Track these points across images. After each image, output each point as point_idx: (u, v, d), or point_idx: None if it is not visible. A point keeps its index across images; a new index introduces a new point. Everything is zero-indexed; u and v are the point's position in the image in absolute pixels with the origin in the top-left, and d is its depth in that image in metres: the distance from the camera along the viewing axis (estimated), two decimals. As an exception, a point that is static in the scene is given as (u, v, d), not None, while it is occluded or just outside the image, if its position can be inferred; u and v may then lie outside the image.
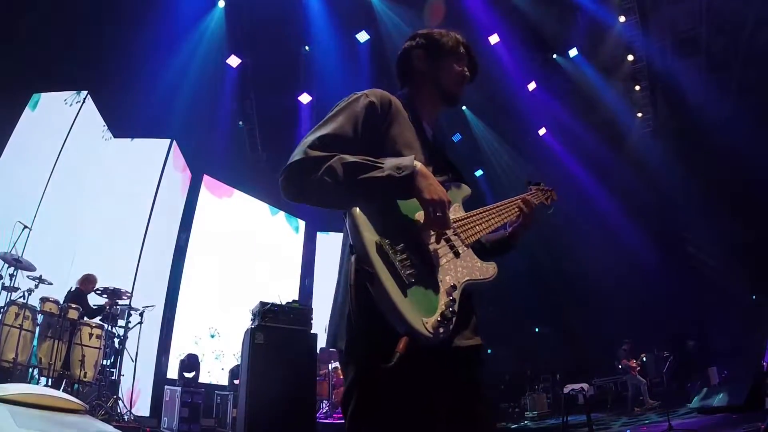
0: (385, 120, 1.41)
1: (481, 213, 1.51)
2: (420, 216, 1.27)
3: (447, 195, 1.26)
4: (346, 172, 1.22)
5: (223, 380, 8.61)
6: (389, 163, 1.25)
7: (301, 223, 12.05)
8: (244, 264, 10.07)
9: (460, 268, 1.30)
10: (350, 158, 1.24)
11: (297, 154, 1.27)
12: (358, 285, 1.16)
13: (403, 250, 1.19)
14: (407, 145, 1.41)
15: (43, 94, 6.65)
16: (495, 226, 1.55)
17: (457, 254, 1.32)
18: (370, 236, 1.17)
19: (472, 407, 1.34)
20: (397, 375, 1.12)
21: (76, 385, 5.16)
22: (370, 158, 1.26)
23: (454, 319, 1.16)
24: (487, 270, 1.36)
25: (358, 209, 1.20)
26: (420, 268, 1.20)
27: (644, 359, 10.37)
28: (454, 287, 1.23)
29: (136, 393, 7.39)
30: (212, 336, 9.11)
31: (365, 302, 1.16)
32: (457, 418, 1.29)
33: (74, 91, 7.04)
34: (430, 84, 1.61)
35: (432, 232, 1.28)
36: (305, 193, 1.29)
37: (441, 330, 1.14)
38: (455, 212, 1.44)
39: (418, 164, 1.25)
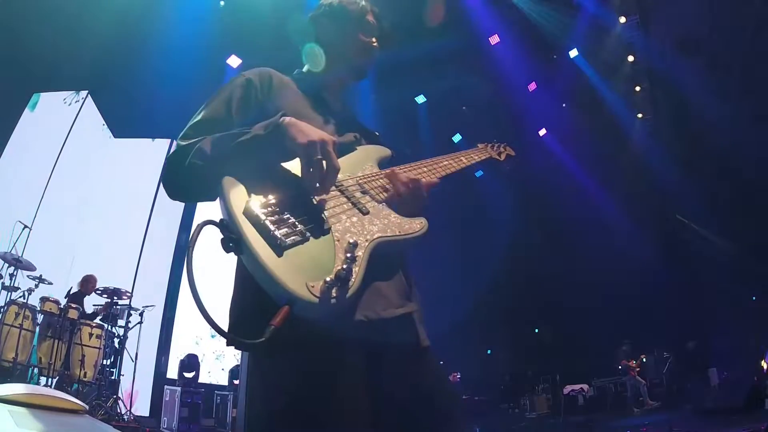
0: (268, 94, 1.30)
1: (400, 168, 1.33)
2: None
3: (330, 136, 1.10)
4: (214, 148, 1.10)
5: (223, 380, 8.61)
6: (256, 126, 1.13)
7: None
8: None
9: (368, 225, 1.10)
10: (217, 135, 1.13)
11: (173, 149, 1.18)
12: (237, 271, 1.06)
13: (282, 210, 1.03)
14: (297, 114, 1.21)
15: (42, 94, 6.66)
16: (425, 176, 1.36)
17: (364, 211, 1.14)
18: (237, 200, 1.01)
19: (404, 387, 1.15)
20: (293, 358, 1.02)
21: (76, 385, 5.15)
22: (238, 130, 1.14)
23: (353, 280, 0.96)
24: (411, 226, 1.15)
25: (228, 177, 1.05)
26: (305, 229, 1.02)
27: (644, 360, 10.36)
28: (354, 244, 1.01)
29: (135, 393, 7.39)
30: (212, 336, 9.10)
31: (240, 286, 1.06)
32: (393, 403, 1.13)
33: (74, 91, 7.04)
34: (333, 55, 1.46)
35: (323, 187, 1.08)
36: (182, 186, 1.18)
37: (334, 293, 0.92)
38: (365, 170, 1.28)
39: (287, 117, 1.11)
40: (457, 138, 12.76)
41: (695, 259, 12.78)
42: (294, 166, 1.13)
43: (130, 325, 6.15)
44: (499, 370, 13.53)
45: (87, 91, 7.14)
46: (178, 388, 6.77)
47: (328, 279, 0.93)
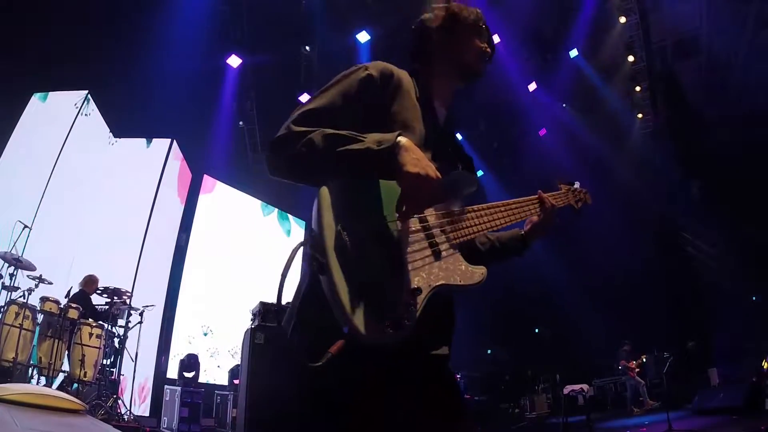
0: (385, 95, 1.29)
1: (482, 209, 1.35)
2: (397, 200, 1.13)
3: (437, 172, 1.10)
4: (324, 144, 1.11)
5: (221, 378, 8.61)
6: (371, 136, 1.12)
7: (302, 223, 12.04)
8: (245, 264, 10.07)
9: (435, 270, 1.15)
10: (330, 131, 1.14)
11: (281, 130, 1.20)
12: (311, 273, 1.08)
13: (367, 242, 1.06)
14: (404, 125, 1.26)
15: (51, 94, 6.68)
16: (496, 227, 1.39)
17: (437, 255, 1.17)
18: (330, 221, 1.05)
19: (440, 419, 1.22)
20: (341, 379, 1.07)
21: (76, 385, 5.15)
22: (354, 132, 1.14)
23: (407, 327, 1.03)
24: (472, 275, 1.21)
25: (325, 189, 1.08)
26: (381, 264, 1.07)
27: (644, 360, 10.37)
28: (419, 291, 1.08)
29: (146, 390, 7.42)
30: (205, 334, 9.09)
31: (313, 293, 1.08)
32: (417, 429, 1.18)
33: (79, 92, 7.05)
34: (448, 60, 1.48)
35: (408, 227, 1.14)
36: (284, 167, 1.20)
37: (388, 335, 1.01)
38: (449, 206, 1.28)
39: (404, 139, 1.11)
40: (457, 138, 12.76)
41: (695, 259, 12.78)
42: (389, 185, 1.14)
43: (130, 325, 6.15)
44: (499, 369, 13.53)
45: (87, 92, 7.13)
46: (178, 388, 6.78)
47: (387, 323, 1.01)
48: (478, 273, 1.23)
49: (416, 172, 1.07)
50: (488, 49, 1.52)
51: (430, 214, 1.22)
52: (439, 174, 1.11)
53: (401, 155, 1.09)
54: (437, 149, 1.31)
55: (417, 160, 1.09)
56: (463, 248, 1.26)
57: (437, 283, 1.14)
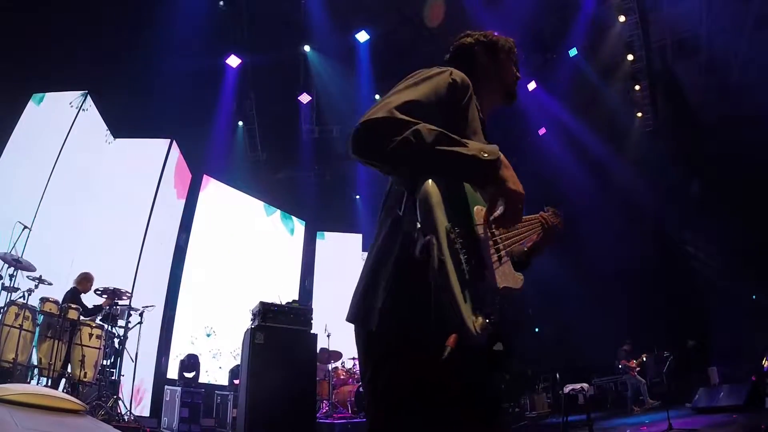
0: (463, 102, 1.36)
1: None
2: (481, 209, 1.23)
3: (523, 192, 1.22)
4: (434, 139, 1.14)
5: (222, 379, 8.61)
6: (474, 144, 1.20)
7: (302, 224, 12.05)
8: (244, 264, 10.08)
9: (501, 273, 1.26)
10: (437, 128, 1.17)
11: (380, 112, 1.19)
12: (416, 269, 1.10)
13: (465, 242, 1.13)
14: (476, 133, 1.37)
15: (48, 94, 6.67)
16: (524, 238, 1.53)
17: (500, 259, 1.28)
18: (442, 218, 1.09)
19: (493, 419, 1.32)
20: (438, 371, 1.12)
21: (76, 385, 5.15)
22: (455, 136, 1.19)
23: (495, 323, 1.12)
24: (519, 280, 1.33)
25: (432, 183, 1.11)
26: (476, 265, 1.15)
27: (644, 359, 10.37)
28: (498, 291, 1.20)
29: (142, 392, 7.41)
30: (208, 335, 9.10)
31: (418, 287, 1.12)
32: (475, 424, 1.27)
33: (75, 91, 7.05)
34: (493, 80, 1.63)
35: (487, 232, 1.23)
36: (379, 150, 1.18)
37: (485, 333, 1.10)
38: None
39: (502, 155, 1.20)
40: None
41: (695, 258, 12.78)
42: (472, 200, 1.24)
43: (130, 325, 6.15)
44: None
45: (87, 92, 7.13)
46: (179, 388, 6.78)
47: (487, 320, 1.10)
48: (521, 278, 1.34)
49: (516, 189, 1.19)
50: (518, 75, 1.71)
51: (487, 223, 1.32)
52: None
53: (503, 170, 1.19)
54: None
55: (515, 177, 1.20)
56: (511, 257, 1.37)
57: (503, 285, 1.24)
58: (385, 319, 1.22)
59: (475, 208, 1.23)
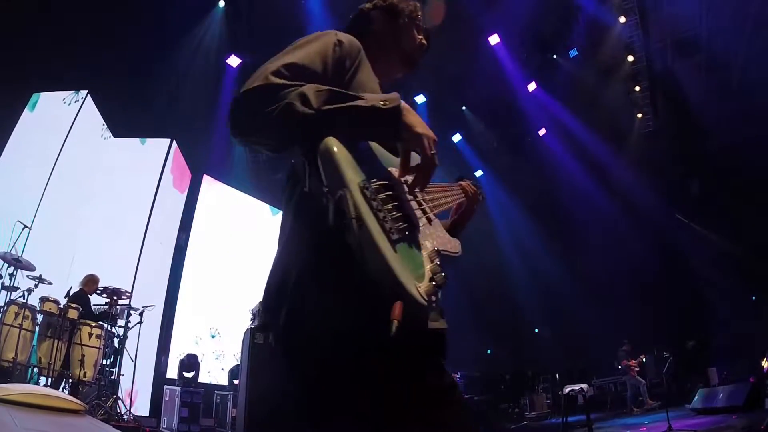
0: (353, 63, 1.24)
1: (435, 186, 1.31)
2: (396, 170, 1.07)
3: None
4: (322, 98, 1.00)
5: (221, 378, 8.61)
6: (370, 95, 1.06)
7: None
8: (244, 264, 10.07)
9: (434, 236, 1.08)
10: (324, 86, 1.04)
11: (256, 81, 1.04)
12: (331, 237, 0.91)
13: (387, 198, 0.98)
14: (375, 93, 1.19)
15: (42, 94, 6.66)
16: (454, 203, 1.40)
17: (429, 220, 1.12)
18: (353, 175, 0.93)
19: (437, 410, 1.04)
20: (365, 358, 0.95)
21: (76, 385, 5.15)
22: (349, 92, 1.06)
23: (441, 287, 0.94)
24: (456, 245, 1.16)
25: (334, 139, 0.96)
26: (403, 226, 0.97)
27: (644, 360, 10.38)
28: (437, 252, 1.01)
29: (135, 393, 7.39)
30: (213, 336, 9.11)
31: (337, 257, 0.93)
32: (411, 418, 1.02)
33: (74, 91, 7.05)
34: (390, 47, 1.48)
35: (406, 188, 1.06)
36: (261, 125, 1.04)
37: (433, 299, 0.91)
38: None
39: (402, 101, 1.06)
40: (456, 138, 12.78)
41: (695, 259, 12.79)
42: (379, 149, 1.10)
43: (130, 325, 6.15)
44: (499, 369, 13.53)
45: (87, 91, 7.13)
46: (178, 388, 6.78)
47: (432, 284, 0.92)
48: (457, 244, 1.17)
49: (425, 133, 1.04)
50: (425, 42, 1.53)
51: (405, 182, 1.15)
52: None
53: (406, 116, 1.04)
54: None
55: (422, 122, 1.05)
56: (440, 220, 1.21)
57: (440, 249, 1.06)
58: (301, 319, 1.03)
59: (389, 169, 1.08)
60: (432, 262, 0.98)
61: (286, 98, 1.00)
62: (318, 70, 1.14)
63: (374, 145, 1.10)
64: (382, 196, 0.96)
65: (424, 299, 0.89)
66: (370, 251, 0.88)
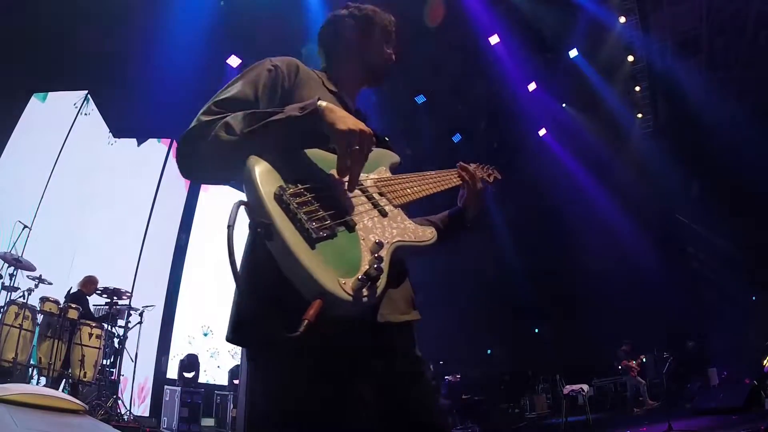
0: (293, 83, 1.27)
1: (411, 176, 1.34)
2: (333, 163, 1.07)
3: (368, 128, 1.07)
4: (244, 123, 1.05)
5: (221, 379, 8.60)
6: (291, 106, 1.10)
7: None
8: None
9: (388, 228, 1.10)
10: (247, 111, 1.09)
11: (191, 124, 1.12)
12: (255, 248, 1.01)
13: (311, 201, 1.00)
14: None
15: (50, 94, 6.67)
16: (429, 192, 1.37)
17: (383, 213, 1.13)
18: (268, 186, 0.98)
19: (405, 396, 1.15)
20: (308, 355, 0.99)
21: (76, 385, 5.15)
22: (270, 109, 1.11)
23: (381, 279, 0.95)
24: (424, 233, 1.16)
25: (254, 156, 1.01)
26: (333, 223, 0.99)
27: (644, 360, 10.37)
28: (380, 244, 1.01)
29: (146, 391, 7.41)
30: (205, 334, 9.09)
31: (262, 266, 0.98)
32: (385, 410, 1.12)
33: (80, 92, 7.06)
34: (355, 58, 1.48)
35: (352, 181, 1.08)
36: (200, 159, 1.09)
37: (365, 293, 0.91)
38: (380, 173, 1.27)
39: (323, 102, 1.08)
40: (457, 138, 12.77)
41: (695, 259, 12.79)
42: (319, 154, 1.13)
43: (130, 325, 6.15)
44: (499, 370, 13.54)
45: (87, 92, 7.13)
46: (178, 388, 6.78)
47: (360, 276, 0.92)
48: (428, 231, 1.18)
49: (348, 128, 1.04)
50: (393, 57, 1.53)
51: (365, 179, 1.19)
52: (369, 129, 1.08)
53: (327, 116, 1.06)
54: None
55: (344, 117, 1.06)
56: (405, 211, 1.22)
57: (394, 240, 1.08)
58: (238, 323, 1.11)
59: (331, 171, 1.10)
60: (372, 254, 0.99)
61: (213, 131, 1.06)
62: (250, 98, 1.19)
63: (314, 151, 1.13)
64: (302, 199, 0.99)
65: (348, 293, 0.90)
66: (286, 257, 0.91)
